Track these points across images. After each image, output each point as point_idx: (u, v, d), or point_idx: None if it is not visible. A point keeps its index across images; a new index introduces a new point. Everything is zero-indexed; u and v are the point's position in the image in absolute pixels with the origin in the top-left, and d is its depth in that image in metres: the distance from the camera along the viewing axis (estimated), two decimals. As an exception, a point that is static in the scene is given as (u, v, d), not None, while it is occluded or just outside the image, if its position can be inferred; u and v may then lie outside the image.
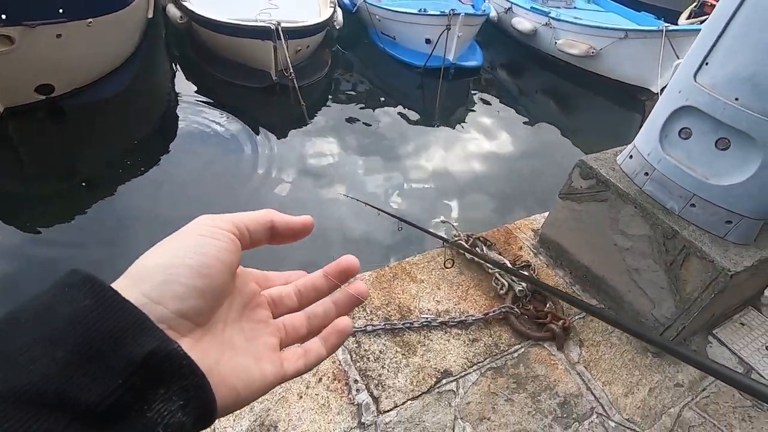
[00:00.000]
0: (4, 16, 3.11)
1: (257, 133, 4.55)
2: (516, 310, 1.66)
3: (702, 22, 7.19)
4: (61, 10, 3.41)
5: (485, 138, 5.25)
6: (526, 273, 1.81)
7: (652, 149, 1.48)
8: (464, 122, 5.59)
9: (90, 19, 3.70)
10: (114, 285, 0.26)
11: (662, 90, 6.16)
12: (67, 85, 4.04)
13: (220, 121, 4.71)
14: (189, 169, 3.93)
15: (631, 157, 1.59)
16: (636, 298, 1.60)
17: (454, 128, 5.37)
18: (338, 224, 3.55)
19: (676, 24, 7.30)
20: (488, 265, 1.81)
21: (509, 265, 1.84)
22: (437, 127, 5.37)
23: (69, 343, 0.22)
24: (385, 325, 1.59)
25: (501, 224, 3.61)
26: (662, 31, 5.94)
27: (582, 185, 1.69)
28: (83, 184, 3.60)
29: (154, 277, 0.27)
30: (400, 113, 5.55)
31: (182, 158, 4.07)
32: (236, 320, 0.34)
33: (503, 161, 4.84)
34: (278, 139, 4.52)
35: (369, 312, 1.65)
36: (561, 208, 1.82)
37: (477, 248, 1.94)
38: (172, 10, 5.06)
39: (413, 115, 5.52)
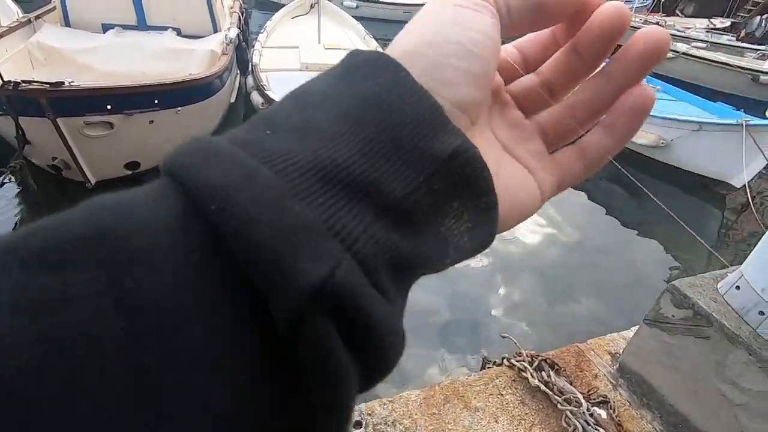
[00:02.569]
0: (109, 107, 3.62)
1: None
2: (594, 465, 1.36)
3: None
4: (156, 101, 3.88)
5: (547, 227, 4.99)
6: (603, 413, 1.52)
7: (768, 284, 1.23)
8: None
9: (179, 108, 4.16)
10: None
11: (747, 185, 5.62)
12: (152, 162, 4.47)
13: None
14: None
15: (738, 288, 1.33)
16: (756, 471, 1.25)
17: (513, 215, 5.19)
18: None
19: (764, 116, 6.85)
20: (557, 397, 1.55)
21: (582, 399, 1.55)
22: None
23: (373, 124, 0.18)
24: (432, 466, 1.35)
25: (564, 332, 3.27)
26: (742, 125, 5.57)
27: (674, 314, 1.43)
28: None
29: (420, 59, 0.20)
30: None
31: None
32: (493, 123, 0.26)
33: (566, 254, 4.53)
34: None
35: (414, 446, 1.43)
36: (647, 336, 1.55)
37: (543, 372, 1.68)
38: (256, 97, 5.61)
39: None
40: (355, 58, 0.20)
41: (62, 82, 3.31)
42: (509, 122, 0.26)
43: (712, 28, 12.66)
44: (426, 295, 3.54)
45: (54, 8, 5.24)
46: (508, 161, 0.24)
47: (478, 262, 4.08)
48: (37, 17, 5.03)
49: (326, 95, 0.19)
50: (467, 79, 0.21)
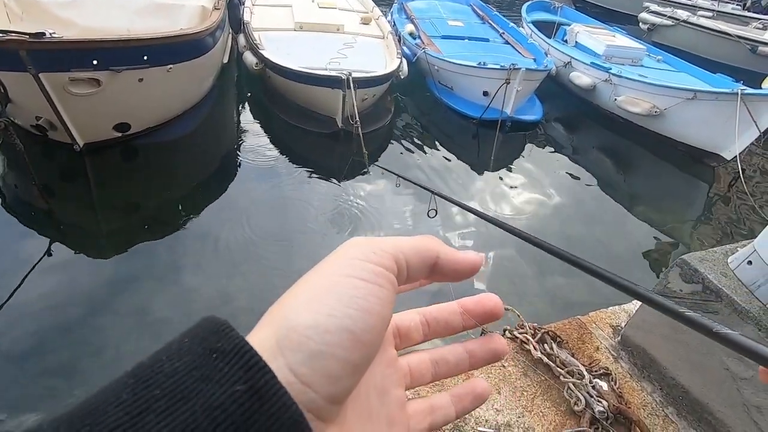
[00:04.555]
0: (95, 62, 3.40)
1: (318, 177, 4.59)
2: (595, 434, 1.39)
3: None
4: (145, 57, 3.67)
5: (542, 197, 4.99)
6: (605, 385, 1.54)
7: (782, 261, 1.22)
8: (519, 178, 5.38)
9: (170, 66, 3.95)
10: (256, 342, 0.20)
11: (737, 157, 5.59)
12: (142, 124, 4.30)
13: (282, 164, 4.81)
14: (247, 211, 3.97)
15: (749, 263, 1.32)
16: (754, 441, 1.28)
17: (508, 184, 5.18)
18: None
19: (760, 87, 6.77)
20: (560, 369, 1.56)
21: (584, 371, 1.57)
22: (491, 181, 5.20)
23: None
24: (437, 434, 1.36)
25: (563, 304, 3.30)
26: (737, 93, 5.47)
27: (682, 289, 1.43)
28: (144, 223, 3.71)
29: (306, 344, 0.21)
30: (454, 164, 5.45)
31: (242, 200, 4.15)
32: (377, 358, 0.28)
33: (562, 225, 4.54)
34: (337, 183, 4.53)
35: (419, 414, 1.43)
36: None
37: (545, 344, 1.69)
38: (249, 57, 5.34)
39: (467, 168, 5.40)
40: (217, 338, 0.19)
41: (43, 33, 3.09)
42: (387, 361, 0.29)
43: (717, -4, 12.33)
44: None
45: (31, -42, 4.88)
46: (372, 426, 0.26)
47: (470, 236, 4.08)
48: (13, -33, 4.68)
49: (171, 397, 0.17)
50: (348, 371, 0.21)
